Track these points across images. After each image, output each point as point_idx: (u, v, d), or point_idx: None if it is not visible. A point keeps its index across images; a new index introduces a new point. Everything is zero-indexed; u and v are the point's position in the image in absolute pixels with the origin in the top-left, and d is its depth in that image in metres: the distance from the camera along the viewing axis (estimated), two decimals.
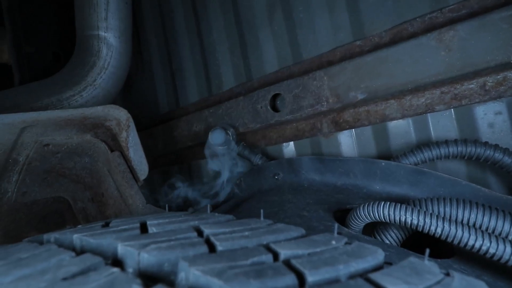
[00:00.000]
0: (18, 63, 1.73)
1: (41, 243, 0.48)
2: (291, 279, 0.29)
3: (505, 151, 0.82)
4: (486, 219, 0.64)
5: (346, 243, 0.39)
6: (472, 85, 0.92)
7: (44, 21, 1.89)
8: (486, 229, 0.64)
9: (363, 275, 0.31)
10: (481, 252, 0.58)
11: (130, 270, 0.35)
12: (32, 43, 1.80)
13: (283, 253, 0.34)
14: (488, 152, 0.83)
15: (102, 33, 1.46)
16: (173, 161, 1.75)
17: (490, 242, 0.57)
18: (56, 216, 1.27)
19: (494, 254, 0.57)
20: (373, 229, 0.84)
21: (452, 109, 0.98)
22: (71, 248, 0.43)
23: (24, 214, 1.16)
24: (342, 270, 0.31)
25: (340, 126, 1.17)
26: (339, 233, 0.72)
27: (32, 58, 1.78)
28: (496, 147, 0.83)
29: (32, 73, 1.77)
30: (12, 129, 0.84)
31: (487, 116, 0.93)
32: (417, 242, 0.84)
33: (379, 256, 0.36)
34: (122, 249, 0.36)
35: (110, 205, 1.10)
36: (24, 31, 1.78)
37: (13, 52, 1.73)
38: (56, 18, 1.94)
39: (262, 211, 0.50)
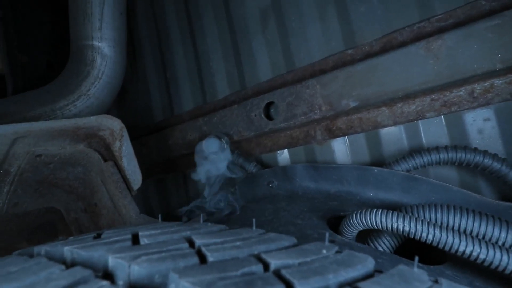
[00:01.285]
0: (12, 72, 1.73)
1: (31, 256, 0.47)
2: None
3: (494, 157, 0.84)
4: (476, 225, 0.65)
5: (336, 252, 0.39)
6: (461, 92, 0.94)
7: (38, 30, 1.89)
8: (477, 235, 0.65)
9: (352, 284, 0.31)
10: (472, 258, 0.59)
11: (120, 282, 0.35)
12: (26, 52, 1.80)
13: (274, 263, 0.34)
14: (478, 158, 0.85)
15: (96, 43, 1.46)
16: (168, 170, 1.74)
17: (481, 248, 0.58)
18: (48, 226, 1.25)
19: (484, 260, 0.58)
20: (367, 236, 0.84)
21: (442, 116, 0.99)
22: (62, 261, 0.42)
23: (16, 225, 1.15)
24: (332, 279, 0.31)
25: (333, 134, 1.18)
26: (332, 241, 0.72)
27: (25, 67, 1.78)
28: (485, 153, 0.85)
29: (25, 82, 1.76)
30: (3, 140, 0.83)
31: (476, 122, 0.95)
32: (411, 249, 0.85)
33: (369, 264, 0.36)
34: (112, 261, 0.36)
35: (104, 215, 1.09)
36: (18, 40, 1.78)
37: (6, 61, 1.72)
38: (50, 28, 1.94)
39: (254, 220, 0.51)
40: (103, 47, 1.47)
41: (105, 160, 1.06)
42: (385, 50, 1.06)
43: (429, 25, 0.99)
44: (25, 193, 1.05)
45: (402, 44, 1.02)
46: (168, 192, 1.79)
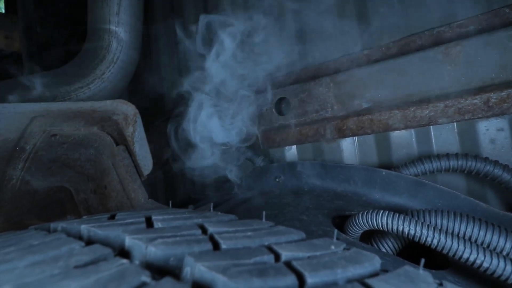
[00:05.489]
0: (29, 52, 1.75)
1: (48, 231, 0.49)
2: (292, 279, 0.30)
3: (504, 167, 0.83)
4: (482, 233, 0.65)
5: (344, 249, 0.40)
6: (476, 101, 0.94)
7: (57, 11, 1.91)
8: (482, 244, 0.65)
9: (360, 280, 0.33)
10: (475, 265, 0.59)
11: (136, 262, 0.36)
12: (44, 33, 1.82)
13: (284, 254, 0.35)
14: (488, 167, 0.84)
15: (113, 27, 1.47)
16: (176, 158, 1.76)
17: (485, 256, 0.58)
18: (57, 205, 1.28)
19: (487, 268, 0.58)
20: (370, 236, 0.85)
21: (454, 123, 0.99)
22: (78, 238, 0.44)
23: (27, 202, 1.18)
24: (340, 274, 0.32)
25: (343, 133, 1.18)
26: (337, 239, 0.73)
27: (43, 47, 1.80)
28: (496, 163, 0.85)
29: (42, 62, 1.79)
30: (22, 118, 0.85)
31: (489, 132, 0.94)
32: (412, 252, 0.85)
33: (376, 263, 0.37)
34: (129, 241, 0.38)
35: (112, 198, 1.11)
36: (36, 20, 1.80)
37: (24, 40, 1.75)
38: (68, 9, 1.96)
39: (264, 213, 0.52)
40: (119, 32, 1.48)
41: (117, 144, 1.08)
42: (402, 52, 1.05)
43: (449, 30, 0.98)
44: (38, 171, 1.08)
45: (420, 48, 1.01)
46: (174, 180, 1.81)
